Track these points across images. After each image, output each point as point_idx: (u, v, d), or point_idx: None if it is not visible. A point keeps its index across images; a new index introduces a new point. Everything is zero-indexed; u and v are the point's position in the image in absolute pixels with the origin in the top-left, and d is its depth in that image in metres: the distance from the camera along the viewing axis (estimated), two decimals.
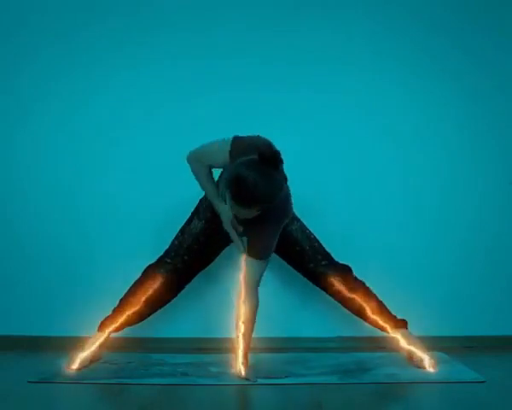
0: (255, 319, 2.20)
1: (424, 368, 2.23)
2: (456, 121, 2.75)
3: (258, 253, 2.17)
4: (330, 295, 2.38)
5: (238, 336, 2.18)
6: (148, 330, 2.54)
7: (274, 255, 2.41)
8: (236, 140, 2.15)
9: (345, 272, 2.36)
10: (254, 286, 2.19)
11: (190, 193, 2.58)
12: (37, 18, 2.78)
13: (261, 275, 2.20)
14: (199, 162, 2.22)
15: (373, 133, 2.73)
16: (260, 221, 2.09)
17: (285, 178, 2.18)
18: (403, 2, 2.77)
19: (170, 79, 2.74)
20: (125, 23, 2.76)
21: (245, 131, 2.69)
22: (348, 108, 2.72)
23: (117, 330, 2.37)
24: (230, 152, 2.13)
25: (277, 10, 2.76)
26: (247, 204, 1.97)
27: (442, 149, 2.74)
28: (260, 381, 2.09)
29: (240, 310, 2.18)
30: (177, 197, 2.66)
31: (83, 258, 2.72)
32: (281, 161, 2.00)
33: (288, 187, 2.20)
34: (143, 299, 2.34)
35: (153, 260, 2.39)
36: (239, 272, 2.21)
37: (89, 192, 2.73)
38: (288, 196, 2.21)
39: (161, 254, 2.38)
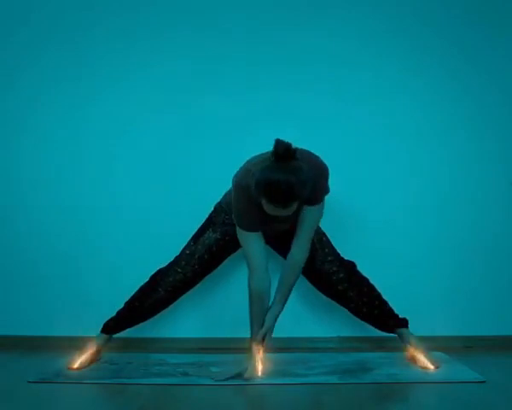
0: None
1: (425, 368, 2.24)
2: (456, 121, 2.75)
3: (316, 198, 2.15)
4: (331, 295, 2.40)
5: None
6: (148, 330, 2.54)
7: (277, 255, 2.41)
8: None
9: (349, 268, 2.38)
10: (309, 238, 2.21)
11: (193, 196, 2.59)
12: (38, 18, 2.77)
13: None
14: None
15: (373, 133, 2.73)
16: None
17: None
18: (403, 3, 2.77)
19: (173, 80, 2.73)
20: (126, 24, 2.76)
21: (247, 131, 2.70)
22: (349, 109, 2.72)
23: (119, 330, 2.39)
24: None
25: (278, 11, 2.75)
26: (288, 203, 1.97)
27: (442, 148, 2.74)
28: (260, 381, 2.09)
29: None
30: (179, 199, 2.66)
31: (83, 258, 2.72)
32: (294, 151, 1.99)
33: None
34: (149, 304, 2.37)
35: (159, 265, 2.38)
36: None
37: (89, 193, 2.73)
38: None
39: (171, 260, 2.38)
